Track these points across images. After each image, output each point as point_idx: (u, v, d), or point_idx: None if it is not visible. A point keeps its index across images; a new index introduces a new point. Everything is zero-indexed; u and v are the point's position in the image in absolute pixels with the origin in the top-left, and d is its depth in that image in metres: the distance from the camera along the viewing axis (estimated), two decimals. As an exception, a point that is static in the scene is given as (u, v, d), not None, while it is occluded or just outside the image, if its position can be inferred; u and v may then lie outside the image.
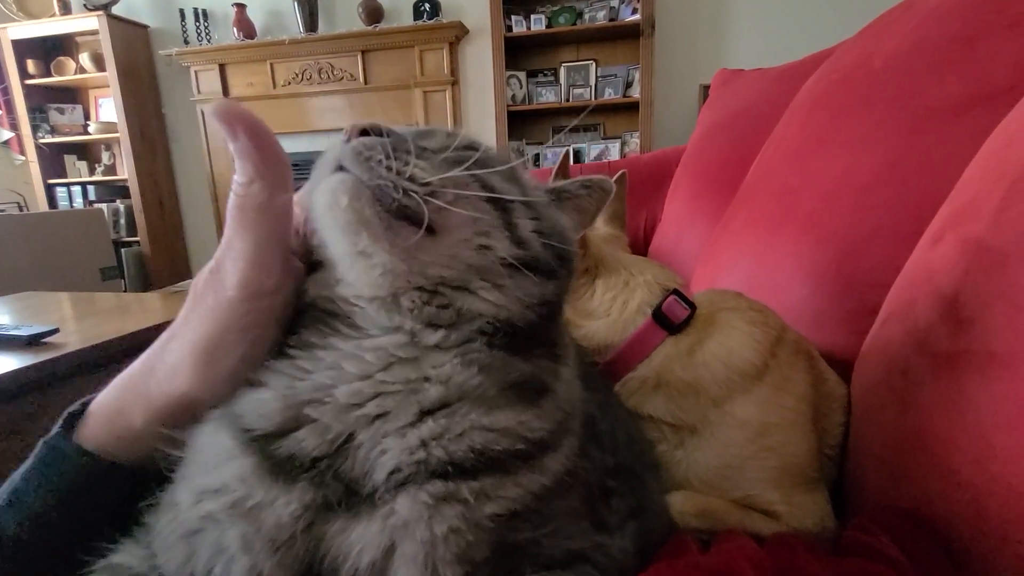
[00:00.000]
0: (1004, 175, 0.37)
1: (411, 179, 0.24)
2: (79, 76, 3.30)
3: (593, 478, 0.29)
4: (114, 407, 0.31)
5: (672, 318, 0.47)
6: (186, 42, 3.19)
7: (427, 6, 2.89)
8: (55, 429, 0.31)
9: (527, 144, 3.01)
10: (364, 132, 0.25)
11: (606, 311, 0.49)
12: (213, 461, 0.24)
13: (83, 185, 3.46)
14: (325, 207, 0.24)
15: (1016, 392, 0.30)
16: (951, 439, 0.34)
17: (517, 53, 2.88)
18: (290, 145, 3.29)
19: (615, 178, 0.66)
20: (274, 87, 3.15)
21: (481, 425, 0.24)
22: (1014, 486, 0.29)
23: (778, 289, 0.70)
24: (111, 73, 3.10)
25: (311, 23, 3.03)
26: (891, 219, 0.58)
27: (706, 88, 2.10)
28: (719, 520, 0.41)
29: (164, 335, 0.31)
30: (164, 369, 0.28)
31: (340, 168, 0.24)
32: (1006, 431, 0.30)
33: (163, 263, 3.43)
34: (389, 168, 0.24)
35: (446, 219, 0.25)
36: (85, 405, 0.32)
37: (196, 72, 3.18)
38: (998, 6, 0.55)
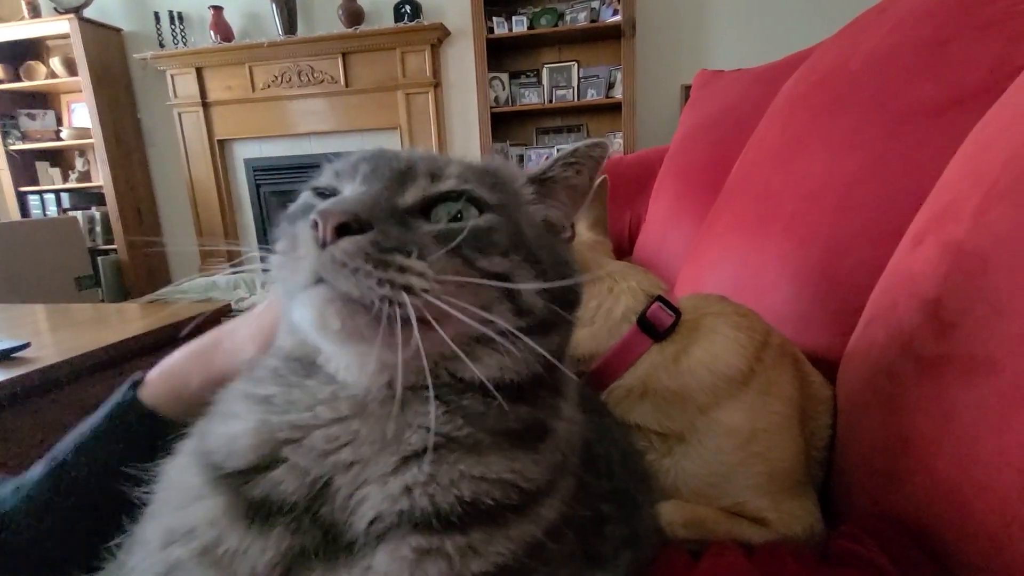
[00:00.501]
0: (982, 179, 0.37)
1: (407, 288, 0.21)
2: (50, 81, 3.20)
3: (588, 507, 0.28)
4: (177, 369, 0.40)
5: (657, 325, 0.47)
6: (161, 45, 3.12)
7: (408, 8, 2.87)
8: (123, 389, 0.40)
9: (511, 145, 3.00)
10: (342, 228, 0.21)
11: (591, 319, 0.49)
12: (182, 500, 0.23)
13: (56, 193, 3.37)
14: (313, 325, 0.22)
15: (999, 397, 0.30)
16: (937, 442, 0.34)
17: (499, 54, 2.88)
18: (271, 149, 3.24)
19: (596, 184, 0.66)
20: (253, 90, 3.10)
21: (472, 475, 0.23)
22: (999, 491, 0.29)
23: (763, 291, 0.71)
24: (84, 77, 3.02)
25: (290, 25, 2.99)
26: (873, 220, 0.59)
27: (688, 88, 2.12)
28: (709, 530, 0.41)
29: (232, 322, 0.40)
30: (230, 344, 0.38)
31: (320, 279, 0.21)
32: (990, 436, 0.30)
33: (142, 271, 3.35)
34: (380, 282, 0.21)
35: (446, 312, 0.22)
36: (142, 374, 0.40)
37: (172, 76, 3.12)
38: (969, 9, 0.56)
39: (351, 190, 0.25)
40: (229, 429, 0.24)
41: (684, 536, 0.40)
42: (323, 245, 0.21)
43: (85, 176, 3.42)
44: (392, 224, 0.23)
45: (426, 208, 0.25)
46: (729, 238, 0.84)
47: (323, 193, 0.27)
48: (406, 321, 0.21)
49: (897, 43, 0.63)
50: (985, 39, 0.54)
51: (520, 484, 0.23)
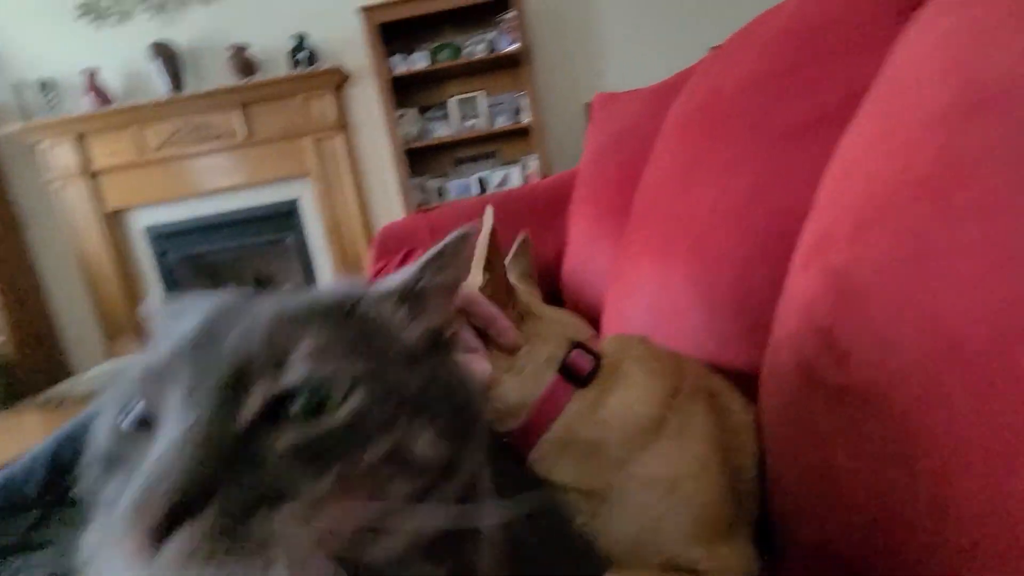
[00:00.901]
0: (849, 208, 0.39)
1: (291, 545, 0.17)
2: None
3: None
4: None
5: (577, 371, 0.46)
6: (29, 117, 2.85)
7: (303, 54, 2.80)
8: None
9: (429, 178, 2.99)
10: (171, 517, 0.15)
11: (521, 366, 0.47)
12: None
13: (-82, 291, 2.96)
14: None
15: (898, 427, 0.31)
16: (854, 474, 0.35)
17: (406, 91, 2.87)
18: (173, 213, 3.03)
19: (519, 240, 0.65)
20: (144, 153, 2.89)
21: None
22: (912, 522, 0.30)
23: (679, 312, 0.72)
24: (-63, 161, 2.70)
25: (177, 82, 2.83)
26: (765, 241, 0.61)
27: (589, 107, 2.20)
28: None
29: None
30: None
31: None
32: (898, 467, 0.31)
33: (36, 367, 2.99)
34: (250, 560, 0.16)
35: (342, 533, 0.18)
36: None
37: (47, 148, 2.85)
38: (819, 35, 0.61)
39: (166, 431, 0.18)
40: None
41: None
42: (148, 548, 0.15)
43: (-48, 269, 3.02)
44: (238, 471, 0.17)
45: (274, 407, 0.20)
46: (642, 262, 0.86)
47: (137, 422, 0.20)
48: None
49: (762, 68, 0.68)
50: (834, 64, 0.58)
51: None
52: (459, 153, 3.03)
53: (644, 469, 0.42)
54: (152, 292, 3.09)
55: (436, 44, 2.79)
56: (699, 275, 0.69)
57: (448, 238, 0.27)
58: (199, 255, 3.14)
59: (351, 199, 2.98)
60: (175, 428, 0.18)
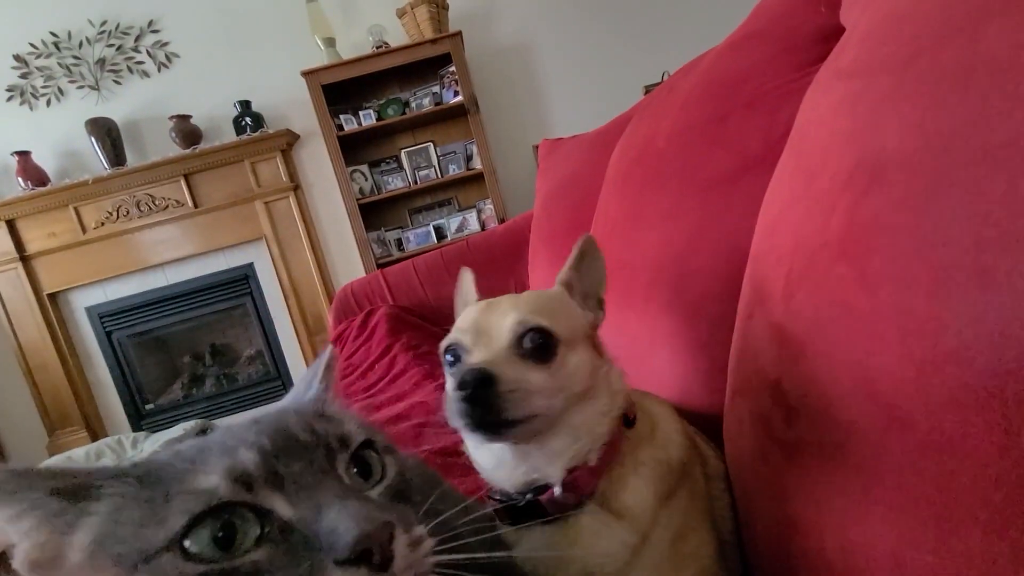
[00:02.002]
0: (780, 261, 0.41)
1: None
2: None
3: None
4: None
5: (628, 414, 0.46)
6: (-44, 203, 2.71)
7: (248, 120, 2.80)
8: None
9: (386, 231, 2.98)
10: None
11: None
12: None
13: None
14: None
15: (851, 485, 0.31)
16: (819, 527, 0.35)
17: (355, 147, 2.89)
18: (118, 289, 2.90)
19: (581, 242, 0.61)
20: (84, 232, 2.77)
21: None
22: (876, 573, 0.30)
23: (643, 358, 0.73)
24: None
25: (117, 157, 2.76)
26: (713, 281, 0.63)
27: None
28: None
29: None
30: None
31: None
32: (856, 525, 0.31)
33: (-32, 470, 2.73)
34: (423, 556, 0.24)
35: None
36: None
37: (-24, 234, 2.71)
38: (734, 89, 0.65)
39: (303, 507, 0.23)
40: None
41: None
42: (382, 567, 0.22)
43: None
44: (382, 506, 0.25)
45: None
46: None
47: (204, 525, 0.23)
48: None
49: (689, 121, 0.71)
50: (752, 114, 0.62)
51: None
52: (415, 203, 3.05)
53: (671, 518, 0.42)
54: (98, 373, 2.91)
55: (382, 100, 2.84)
56: (656, 321, 0.71)
57: (324, 356, 0.35)
58: (149, 331, 3.00)
59: (308, 259, 2.94)
60: (328, 499, 0.23)
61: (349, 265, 2.97)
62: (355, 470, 0.27)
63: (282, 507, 0.23)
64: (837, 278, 0.33)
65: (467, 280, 0.55)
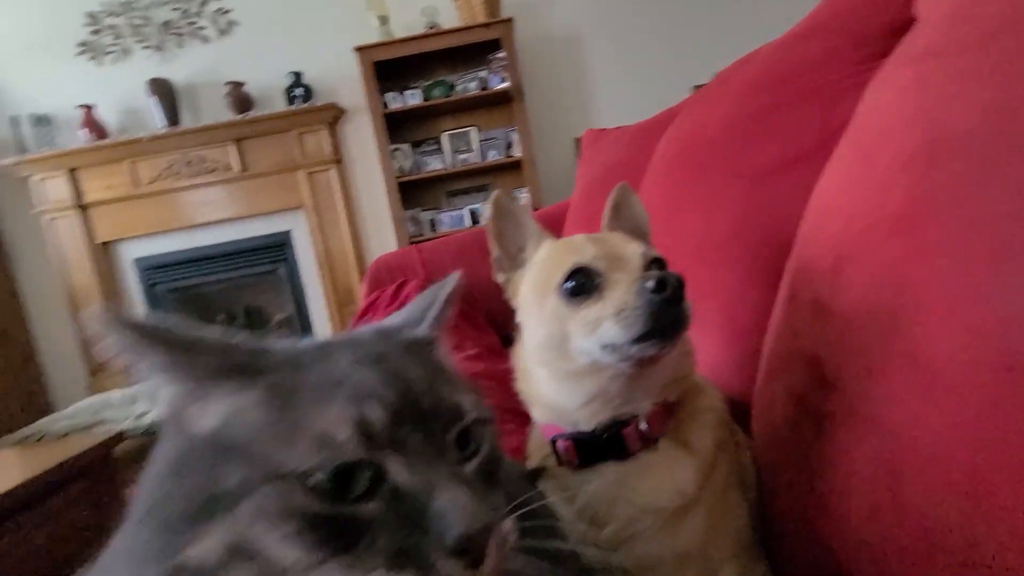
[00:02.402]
0: (830, 243, 0.42)
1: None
2: None
3: None
4: None
5: None
6: (24, 150, 2.87)
7: (299, 91, 2.87)
8: None
9: (422, 211, 3.03)
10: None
11: None
12: None
13: None
14: None
15: (883, 451, 0.32)
16: (846, 498, 0.36)
17: (399, 126, 2.94)
18: (164, 245, 3.03)
19: (615, 192, 0.63)
20: (137, 186, 2.91)
21: None
22: (901, 542, 0.31)
23: (674, 342, 0.74)
24: (-74, 193, 2.69)
25: (173, 117, 2.88)
26: (753, 269, 0.64)
27: (580, 141, 2.27)
28: None
29: None
30: None
31: None
32: (885, 489, 0.32)
33: (14, 402, 2.91)
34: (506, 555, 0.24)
35: None
36: None
37: (39, 181, 2.86)
38: (790, 82, 0.65)
39: (415, 476, 0.23)
40: None
41: None
42: (473, 565, 0.22)
43: (-66, 302, 2.97)
44: (484, 497, 0.24)
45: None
46: (636, 292, 0.88)
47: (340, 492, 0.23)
48: None
49: (741, 112, 0.72)
50: (808, 106, 0.62)
51: None
52: (452, 186, 3.09)
53: (723, 466, 0.44)
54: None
55: (429, 82, 2.88)
56: (693, 305, 0.71)
57: (448, 285, 0.33)
58: (189, 286, 3.13)
59: (344, 231, 3.01)
60: (438, 477, 0.23)
61: (383, 241, 3.03)
62: (456, 440, 0.26)
63: (398, 471, 0.23)
64: (889, 252, 0.33)
65: (525, 210, 0.55)
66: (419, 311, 0.31)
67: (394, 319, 0.32)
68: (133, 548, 0.23)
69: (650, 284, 0.39)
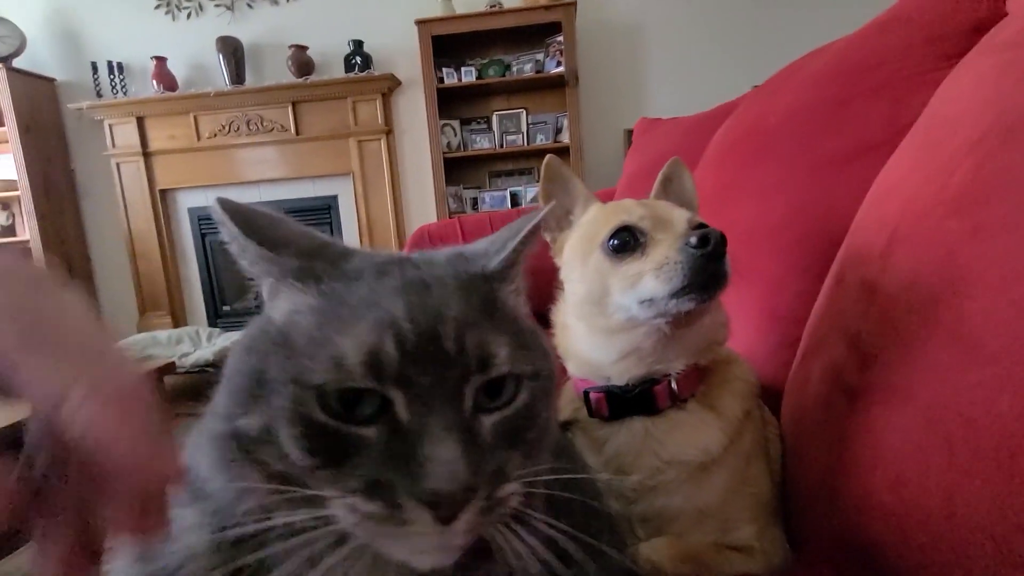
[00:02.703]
0: (885, 225, 0.42)
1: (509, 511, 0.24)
2: (-28, 132, 3.04)
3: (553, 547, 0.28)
4: None
5: None
6: (99, 95, 3.04)
7: (358, 59, 2.94)
8: None
9: (464, 188, 3.06)
10: (459, 497, 0.22)
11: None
12: None
13: (-25, 248, 3.14)
14: (423, 568, 0.24)
15: (915, 423, 0.33)
16: (872, 467, 0.37)
17: (450, 102, 2.97)
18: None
19: (667, 166, 0.64)
20: (198, 139, 3.04)
21: None
22: (926, 511, 0.32)
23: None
24: (10, 128, 2.87)
25: (238, 76, 2.98)
26: (801, 258, 0.64)
27: (630, 133, 2.25)
28: (702, 564, 0.42)
29: None
30: None
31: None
32: (912, 459, 0.33)
33: (72, 329, 3.12)
34: (492, 521, 0.24)
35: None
36: None
37: (111, 125, 3.02)
38: (862, 75, 0.65)
39: (415, 418, 0.23)
40: None
41: (673, 572, 0.41)
42: (444, 522, 0.22)
43: (8, 230, 3.20)
44: (481, 459, 0.23)
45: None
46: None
47: (353, 404, 0.23)
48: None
49: (807, 102, 0.71)
50: (878, 100, 0.62)
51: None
52: (496, 167, 3.11)
53: (749, 434, 0.46)
54: (189, 270, 3.22)
55: (485, 60, 2.89)
56: (732, 291, 0.72)
57: (536, 216, 0.30)
58: (237, 240, 3.26)
59: (387, 201, 3.08)
60: (434, 426, 0.23)
61: (424, 214, 3.09)
62: (483, 389, 0.25)
63: (400, 407, 0.23)
64: (945, 232, 0.34)
65: (573, 175, 0.56)
66: (501, 241, 0.29)
67: (478, 245, 0.30)
68: (216, 405, 0.26)
69: (693, 240, 0.40)
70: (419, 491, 0.21)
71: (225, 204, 0.27)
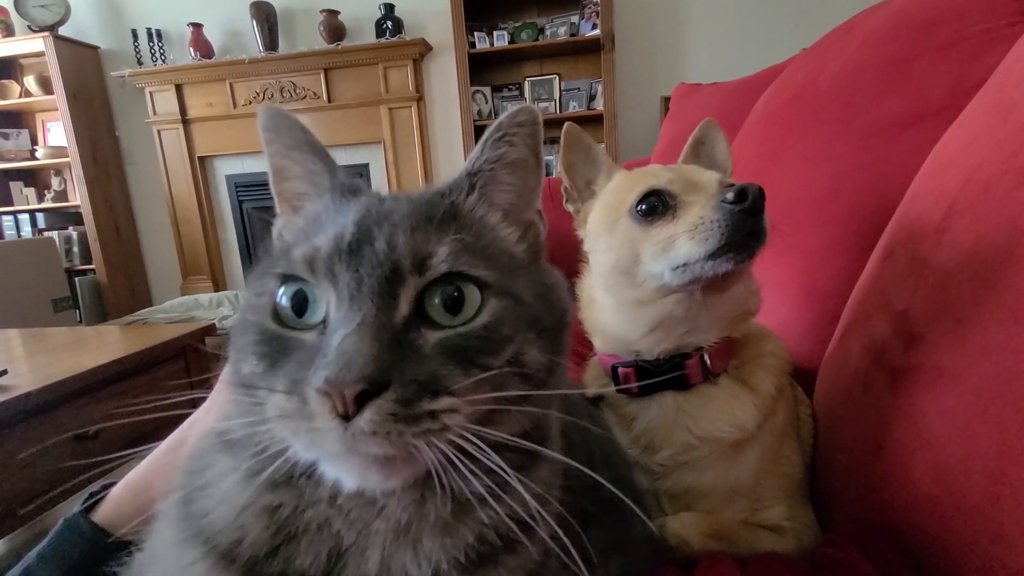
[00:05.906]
0: (943, 197, 0.39)
1: (442, 429, 0.21)
2: (24, 100, 3.15)
3: (572, 509, 0.27)
4: (140, 484, 0.37)
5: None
6: (140, 63, 3.10)
7: (389, 24, 2.89)
8: (76, 507, 0.37)
9: (495, 158, 3.02)
10: (362, 396, 0.20)
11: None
12: None
13: (31, 213, 3.29)
14: (355, 486, 0.23)
15: (963, 406, 0.32)
16: (910, 451, 0.36)
17: (481, 69, 2.91)
18: (253, 165, 3.22)
19: (700, 127, 0.61)
20: (234, 107, 3.08)
21: (482, 521, 0.24)
22: (968, 497, 0.31)
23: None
24: (59, 96, 2.97)
25: (271, 42, 2.99)
26: (846, 231, 0.61)
27: (667, 100, 2.16)
28: (731, 541, 0.41)
29: (191, 418, 0.37)
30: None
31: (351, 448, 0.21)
32: (958, 444, 0.32)
33: (121, 292, 3.29)
34: (415, 434, 0.21)
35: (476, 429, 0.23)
36: (106, 488, 0.38)
37: (151, 93, 3.09)
38: (928, 31, 0.59)
39: (338, 315, 0.23)
40: (236, 516, 0.24)
41: (700, 548, 0.40)
42: (345, 417, 0.20)
43: (61, 196, 3.35)
44: (405, 362, 0.22)
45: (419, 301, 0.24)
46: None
47: (291, 285, 0.25)
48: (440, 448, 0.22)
49: (863, 61, 0.66)
50: (944, 59, 0.56)
51: (519, 515, 0.24)
52: (527, 135, 3.05)
53: (782, 412, 0.45)
54: (228, 234, 3.32)
55: (518, 23, 2.80)
56: (770, 265, 0.68)
57: (504, 114, 0.28)
58: (272, 207, 3.33)
59: (417, 169, 3.07)
60: (351, 321, 0.22)
61: (453, 183, 3.07)
62: (437, 301, 0.23)
63: (332, 307, 0.23)
64: (1011, 203, 0.31)
65: (595, 142, 0.54)
66: (478, 149, 0.29)
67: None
68: (231, 360, 0.28)
69: (730, 196, 0.38)
70: (316, 379, 0.20)
71: (286, 112, 0.31)
